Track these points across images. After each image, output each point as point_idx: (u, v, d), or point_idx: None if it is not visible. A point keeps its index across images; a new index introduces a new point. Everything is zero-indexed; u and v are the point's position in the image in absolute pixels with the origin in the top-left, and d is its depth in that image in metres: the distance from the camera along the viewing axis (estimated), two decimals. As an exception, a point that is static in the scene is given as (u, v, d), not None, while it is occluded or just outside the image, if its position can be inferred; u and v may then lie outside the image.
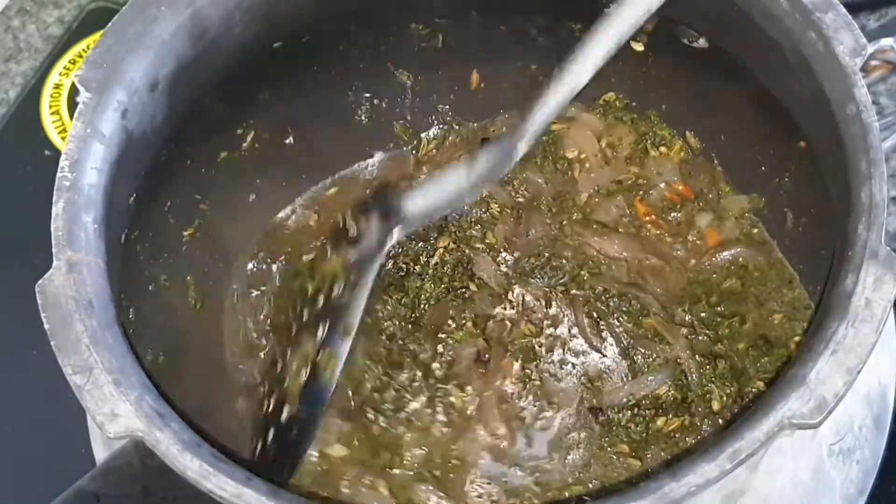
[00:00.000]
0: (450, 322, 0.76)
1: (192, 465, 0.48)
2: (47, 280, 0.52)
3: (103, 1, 1.09)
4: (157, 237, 0.71)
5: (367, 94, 0.82)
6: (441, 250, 0.78)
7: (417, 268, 0.78)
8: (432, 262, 0.78)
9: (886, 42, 0.64)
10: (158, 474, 0.49)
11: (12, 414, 0.87)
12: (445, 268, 0.78)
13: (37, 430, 0.85)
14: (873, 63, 0.64)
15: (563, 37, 0.76)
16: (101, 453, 0.65)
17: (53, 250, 0.53)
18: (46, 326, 0.51)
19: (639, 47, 0.74)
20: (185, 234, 0.76)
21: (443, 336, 0.75)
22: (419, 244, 0.79)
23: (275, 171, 0.81)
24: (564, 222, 0.80)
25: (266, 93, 0.75)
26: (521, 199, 0.81)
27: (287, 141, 0.81)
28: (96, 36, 1.06)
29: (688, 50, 0.70)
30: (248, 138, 0.77)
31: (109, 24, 0.60)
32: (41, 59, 1.06)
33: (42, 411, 0.84)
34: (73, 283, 0.52)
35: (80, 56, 1.06)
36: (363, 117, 0.83)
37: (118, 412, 0.49)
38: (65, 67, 1.05)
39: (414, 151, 0.85)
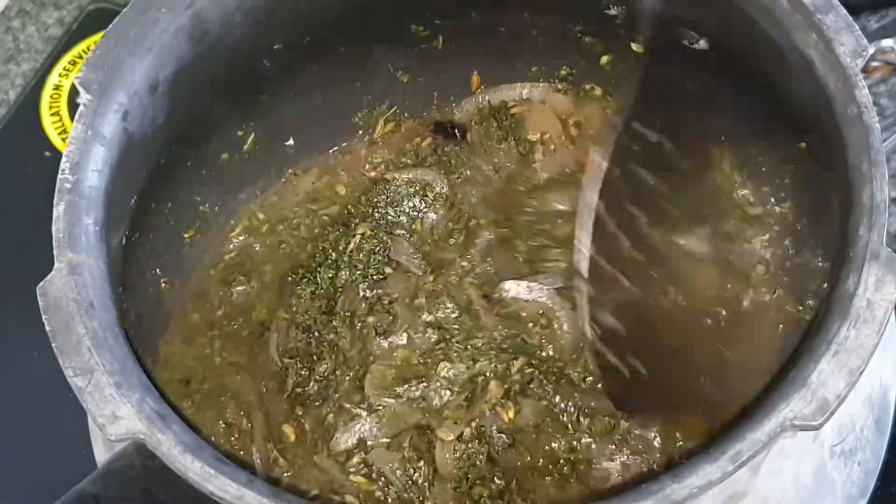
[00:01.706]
0: (363, 305, 0.74)
1: (194, 467, 0.48)
2: (48, 282, 0.52)
3: (103, 2, 1.09)
4: (157, 239, 0.71)
5: (368, 97, 0.82)
6: (358, 237, 0.76)
7: (334, 255, 0.76)
8: (349, 248, 0.76)
9: (887, 43, 0.64)
10: (160, 476, 0.49)
11: (13, 415, 0.87)
12: (361, 254, 0.76)
13: (37, 432, 0.85)
14: (874, 64, 0.64)
15: (563, 38, 0.77)
16: (101, 455, 0.65)
17: (54, 252, 0.53)
18: (48, 328, 0.51)
19: (639, 49, 0.74)
20: (186, 235, 0.76)
21: (357, 324, 0.73)
22: (340, 229, 0.77)
23: (276, 173, 0.81)
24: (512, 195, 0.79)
25: (266, 94, 0.75)
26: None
27: (287, 143, 0.81)
28: (96, 37, 1.06)
29: (688, 51, 0.70)
30: (249, 140, 0.77)
31: (110, 25, 0.60)
32: (41, 60, 1.06)
33: (43, 413, 0.84)
34: (75, 285, 0.52)
35: (81, 57, 1.06)
36: (363, 119, 0.83)
37: (119, 414, 0.49)
38: (65, 68, 1.05)
39: (371, 131, 0.83)
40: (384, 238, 0.76)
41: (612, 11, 0.72)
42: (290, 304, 0.74)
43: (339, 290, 0.75)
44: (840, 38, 0.56)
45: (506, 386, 0.69)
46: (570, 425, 0.68)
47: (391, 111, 0.83)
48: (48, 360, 0.50)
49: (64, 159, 0.56)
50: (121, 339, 0.53)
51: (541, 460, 0.67)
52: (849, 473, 0.62)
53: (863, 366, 0.48)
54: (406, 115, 0.83)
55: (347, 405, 0.70)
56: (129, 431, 0.48)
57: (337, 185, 0.82)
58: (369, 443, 0.69)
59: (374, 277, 0.75)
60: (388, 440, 0.69)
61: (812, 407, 0.47)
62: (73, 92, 0.79)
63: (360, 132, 0.83)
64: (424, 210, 0.78)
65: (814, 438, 0.60)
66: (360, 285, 0.74)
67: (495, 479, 0.66)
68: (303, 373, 0.72)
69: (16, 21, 1.09)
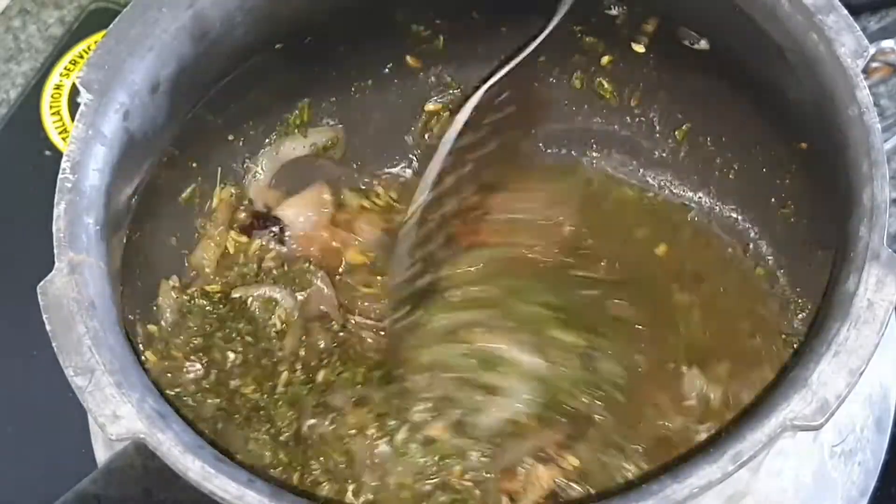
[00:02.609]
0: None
1: (194, 467, 0.48)
2: (49, 282, 0.52)
3: (104, 1, 1.09)
4: (159, 239, 0.71)
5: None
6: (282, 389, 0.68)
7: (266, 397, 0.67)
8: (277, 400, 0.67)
9: (887, 44, 0.64)
10: (160, 476, 0.49)
11: (13, 415, 0.87)
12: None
13: (37, 432, 0.85)
14: (874, 65, 0.64)
15: (564, 38, 0.77)
16: (102, 455, 0.65)
17: (55, 252, 0.53)
18: (48, 328, 0.51)
19: (640, 49, 0.74)
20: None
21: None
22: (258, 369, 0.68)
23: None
24: None
25: (267, 95, 0.75)
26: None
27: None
28: (97, 36, 1.06)
29: (689, 51, 0.70)
30: (250, 140, 0.77)
31: (111, 25, 0.60)
32: (42, 59, 1.06)
33: (43, 412, 0.84)
34: (75, 284, 0.52)
35: (81, 56, 1.06)
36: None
37: (120, 414, 0.49)
38: (65, 68, 1.05)
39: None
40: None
41: (613, 11, 0.72)
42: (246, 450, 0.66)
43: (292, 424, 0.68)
44: (841, 39, 0.56)
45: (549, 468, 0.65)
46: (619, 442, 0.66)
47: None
48: (48, 360, 0.50)
49: (65, 159, 0.56)
50: (121, 338, 0.53)
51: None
52: (849, 474, 0.62)
53: (863, 366, 0.48)
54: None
55: None
56: (130, 431, 0.48)
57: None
58: None
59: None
60: None
61: (812, 407, 0.47)
62: (74, 91, 0.79)
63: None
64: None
65: (814, 439, 0.60)
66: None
67: None
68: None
69: (16, 20, 1.09)
